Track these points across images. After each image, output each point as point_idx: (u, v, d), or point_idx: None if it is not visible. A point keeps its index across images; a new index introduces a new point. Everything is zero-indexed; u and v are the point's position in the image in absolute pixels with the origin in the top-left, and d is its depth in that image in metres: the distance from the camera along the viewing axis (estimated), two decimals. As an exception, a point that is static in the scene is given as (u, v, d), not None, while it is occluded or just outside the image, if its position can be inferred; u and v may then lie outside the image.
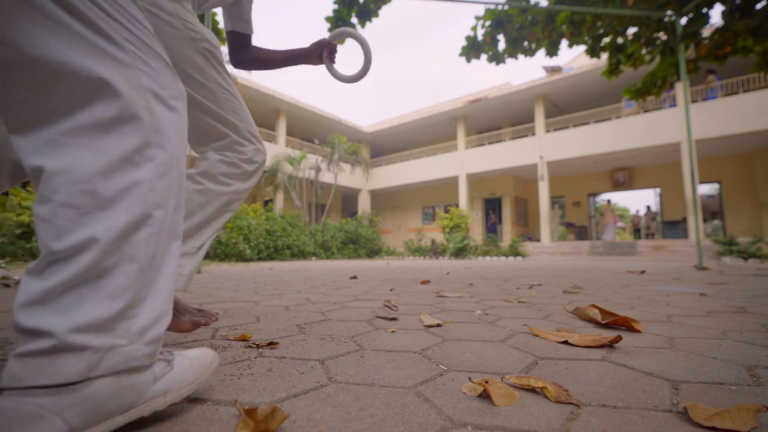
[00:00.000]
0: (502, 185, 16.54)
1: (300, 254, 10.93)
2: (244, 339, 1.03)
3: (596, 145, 12.48)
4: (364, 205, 18.29)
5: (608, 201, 15.37)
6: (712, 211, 13.62)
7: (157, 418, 0.54)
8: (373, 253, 14.18)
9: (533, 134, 14.55)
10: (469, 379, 0.69)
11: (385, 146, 21.16)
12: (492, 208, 17.12)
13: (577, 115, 14.10)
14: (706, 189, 15.16)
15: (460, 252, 12.47)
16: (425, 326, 1.22)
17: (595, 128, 12.68)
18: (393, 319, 1.35)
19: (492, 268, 5.27)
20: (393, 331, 1.15)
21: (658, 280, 2.99)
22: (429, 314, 1.43)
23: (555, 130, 14.25)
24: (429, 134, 18.92)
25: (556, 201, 16.99)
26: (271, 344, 0.95)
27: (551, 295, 2.05)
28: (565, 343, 0.99)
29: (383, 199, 20.27)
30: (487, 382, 0.64)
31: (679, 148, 11.18)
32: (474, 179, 16.68)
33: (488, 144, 16.30)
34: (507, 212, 16.33)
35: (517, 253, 11.93)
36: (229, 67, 12.29)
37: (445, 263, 7.87)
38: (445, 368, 0.79)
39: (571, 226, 15.99)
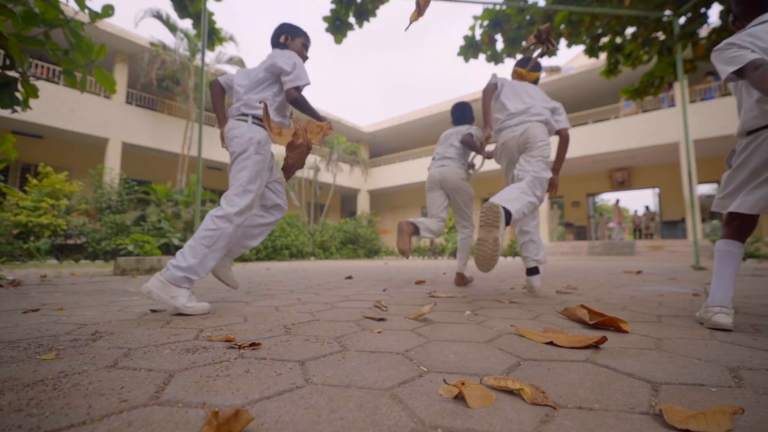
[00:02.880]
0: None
1: (299, 254, 10.91)
2: (227, 340, 1.02)
3: (595, 145, 12.46)
4: (363, 205, 18.27)
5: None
6: (711, 211, 13.58)
7: (124, 420, 0.53)
8: (372, 253, 14.17)
9: (532, 134, 14.49)
10: (444, 381, 0.68)
11: (384, 146, 21.13)
12: (491, 208, 17.05)
13: (576, 115, 14.08)
14: (705, 189, 15.13)
15: (458, 252, 12.44)
16: (412, 325, 1.21)
17: (594, 128, 12.67)
18: (381, 319, 1.34)
19: (489, 268, 5.24)
20: (379, 332, 1.14)
21: (653, 281, 2.98)
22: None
23: (554, 130, 14.21)
24: (428, 134, 18.89)
25: (555, 201, 16.97)
26: (253, 345, 0.95)
27: (544, 296, 2.04)
28: (551, 344, 0.98)
29: (382, 199, 20.25)
30: (463, 383, 0.63)
31: (678, 148, 11.17)
32: (473, 179, 16.65)
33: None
34: (506, 212, 16.26)
35: (515, 253, 11.91)
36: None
37: (444, 263, 7.86)
38: (425, 369, 0.78)
39: (570, 226, 15.97)
